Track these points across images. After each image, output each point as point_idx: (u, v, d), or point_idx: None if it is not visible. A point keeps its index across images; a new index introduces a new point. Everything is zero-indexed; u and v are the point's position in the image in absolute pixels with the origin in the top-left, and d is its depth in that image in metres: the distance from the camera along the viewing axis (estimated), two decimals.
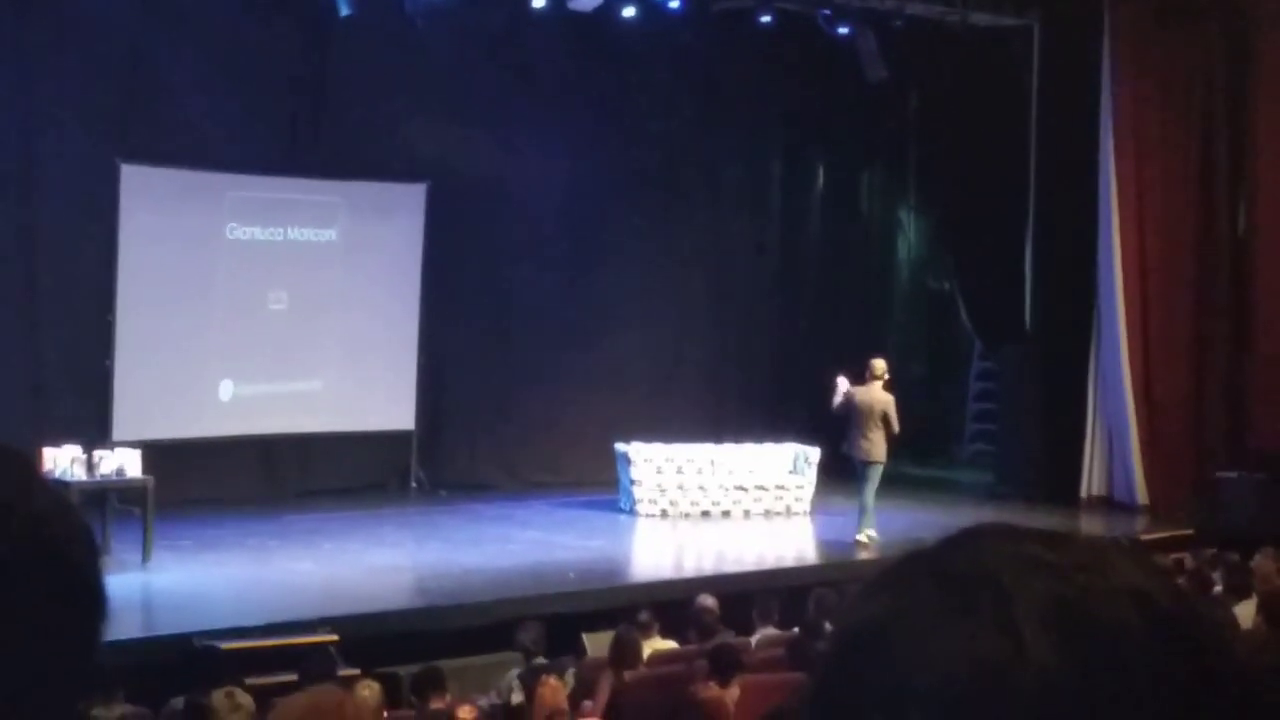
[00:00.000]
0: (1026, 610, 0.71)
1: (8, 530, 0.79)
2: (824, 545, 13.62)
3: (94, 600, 0.84)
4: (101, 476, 10.90)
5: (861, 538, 12.73)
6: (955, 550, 0.77)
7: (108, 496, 11.06)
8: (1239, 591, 9.40)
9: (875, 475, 12.68)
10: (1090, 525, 14.63)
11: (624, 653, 8.11)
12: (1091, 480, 15.73)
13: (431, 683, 7.49)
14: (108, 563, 9.83)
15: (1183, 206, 15.75)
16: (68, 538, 0.82)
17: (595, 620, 9.98)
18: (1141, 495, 15.46)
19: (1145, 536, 13.50)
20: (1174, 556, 11.45)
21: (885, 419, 12.57)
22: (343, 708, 2.49)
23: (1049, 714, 0.69)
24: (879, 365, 12.77)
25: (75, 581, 0.82)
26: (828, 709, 0.75)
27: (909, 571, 0.77)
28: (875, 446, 12.56)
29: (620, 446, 14.45)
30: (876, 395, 12.63)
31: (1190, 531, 13.62)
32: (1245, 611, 8.83)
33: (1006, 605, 0.72)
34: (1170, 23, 15.67)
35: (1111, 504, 15.58)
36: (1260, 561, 10.23)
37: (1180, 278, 15.75)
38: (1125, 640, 0.71)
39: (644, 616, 9.21)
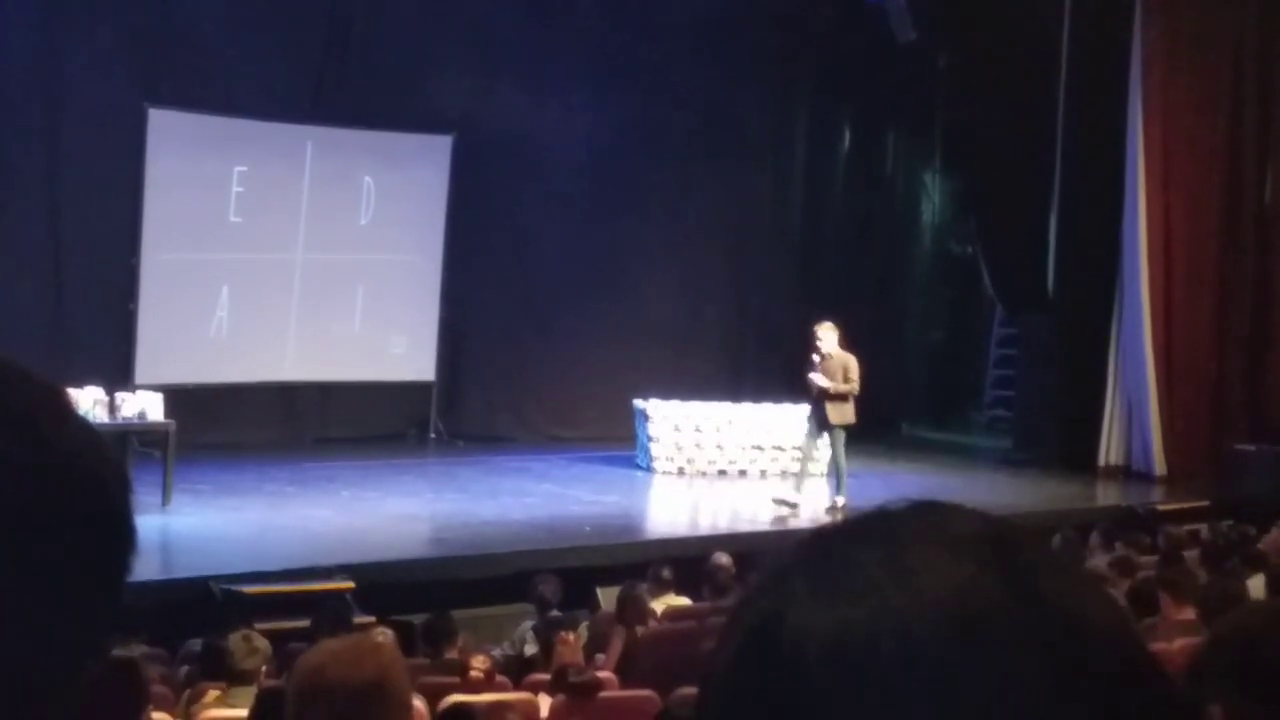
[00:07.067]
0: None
1: (43, 463, 0.80)
2: None
3: (125, 537, 0.85)
4: (123, 419, 10.97)
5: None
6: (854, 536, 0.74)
7: (129, 439, 11.14)
8: (1252, 564, 9.40)
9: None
10: (1107, 494, 14.63)
11: (630, 609, 8.14)
12: (1110, 449, 15.68)
13: (442, 631, 7.50)
14: None
15: (1209, 177, 15.65)
16: (102, 473, 0.83)
17: (610, 574, 10.03)
18: (1159, 465, 15.42)
19: (1162, 507, 13.49)
20: (1190, 528, 11.45)
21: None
22: (380, 651, 2.49)
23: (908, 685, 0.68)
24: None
25: (108, 516, 0.83)
26: (725, 688, 0.73)
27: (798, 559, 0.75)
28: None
29: (638, 403, 14.47)
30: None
31: (1207, 503, 13.60)
32: (1257, 584, 8.84)
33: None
34: None
35: (1129, 473, 15.53)
36: (1275, 535, 10.22)
37: (1205, 248, 15.66)
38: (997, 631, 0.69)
39: (665, 574, 9.15)
